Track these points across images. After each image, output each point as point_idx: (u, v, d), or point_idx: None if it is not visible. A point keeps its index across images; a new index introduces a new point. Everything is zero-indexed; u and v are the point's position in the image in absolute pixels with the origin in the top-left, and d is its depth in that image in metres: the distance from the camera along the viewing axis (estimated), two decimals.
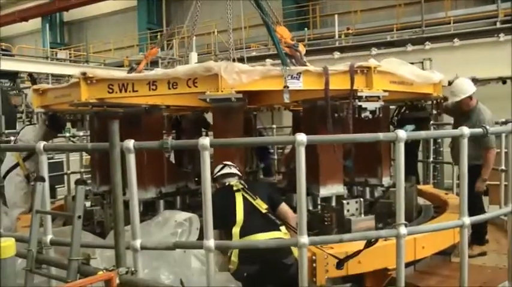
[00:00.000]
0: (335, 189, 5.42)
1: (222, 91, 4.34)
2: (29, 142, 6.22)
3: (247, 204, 4.23)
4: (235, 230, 4.09)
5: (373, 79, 4.63)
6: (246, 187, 4.42)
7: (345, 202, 5.20)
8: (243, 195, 4.29)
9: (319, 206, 5.41)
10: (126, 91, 4.66)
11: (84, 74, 4.70)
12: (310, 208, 5.26)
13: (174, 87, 4.52)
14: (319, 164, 5.25)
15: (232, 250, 4.04)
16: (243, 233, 4.06)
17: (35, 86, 5.98)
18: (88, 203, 5.85)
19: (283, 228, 4.18)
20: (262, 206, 4.25)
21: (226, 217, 4.11)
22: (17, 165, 6.45)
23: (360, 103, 4.59)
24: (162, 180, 5.69)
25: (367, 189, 6.05)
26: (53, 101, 5.65)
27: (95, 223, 5.83)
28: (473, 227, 5.69)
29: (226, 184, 4.48)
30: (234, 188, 4.36)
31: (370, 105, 4.63)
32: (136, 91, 4.66)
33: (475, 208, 5.59)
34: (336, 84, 4.58)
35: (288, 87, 4.45)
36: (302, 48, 5.42)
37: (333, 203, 5.37)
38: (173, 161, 7.10)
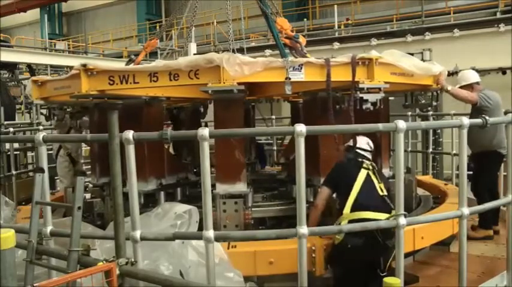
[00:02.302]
0: None
1: (224, 83, 4.33)
2: None
3: (368, 181, 4.36)
4: (349, 203, 4.20)
5: (374, 71, 4.61)
6: (376, 168, 4.57)
7: None
8: (368, 173, 4.41)
9: None
10: (127, 83, 4.63)
11: (84, 65, 4.67)
12: (311, 199, 5.25)
13: (176, 79, 4.50)
14: (320, 155, 5.24)
15: (341, 219, 4.17)
16: (355, 208, 4.17)
17: (34, 78, 5.94)
18: (88, 195, 5.85)
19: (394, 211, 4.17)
20: (383, 189, 4.38)
21: (342, 182, 4.34)
22: (61, 147, 7.36)
23: (361, 95, 4.58)
24: (163, 172, 5.69)
25: None
26: (52, 93, 5.61)
27: (94, 214, 5.84)
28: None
29: (358, 159, 4.59)
30: (364, 166, 4.47)
31: (372, 97, 4.62)
32: (137, 83, 4.63)
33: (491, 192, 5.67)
34: (337, 75, 4.57)
35: (290, 78, 4.43)
36: (302, 40, 5.40)
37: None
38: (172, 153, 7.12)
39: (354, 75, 4.55)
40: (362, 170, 4.41)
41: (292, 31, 5.45)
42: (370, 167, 4.49)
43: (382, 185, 4.42)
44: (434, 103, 6.38)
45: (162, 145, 5.79)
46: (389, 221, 3.76)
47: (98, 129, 5.71)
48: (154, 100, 5.62)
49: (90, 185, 6.17)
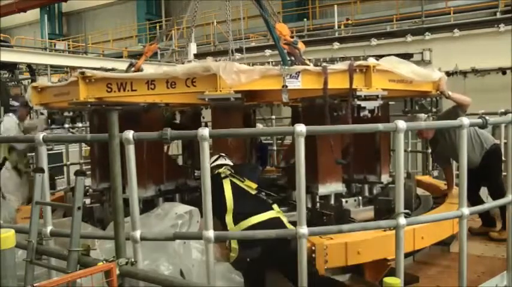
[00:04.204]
0: (334, 187, 5.40)
1: (220, 91, 4.32)
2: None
3: (235, 188, 4.26)
4: (228, 218, 4.10)
5: (372, 78, 4.60)
6: (233, 171, 4.47)
7: (343, 200, 5.19)
8: (230, 180, 4.32)
9: (318, 204, 5.38)
10: (124, 90, 4.64)
11: (82, 73, 4.67)
12: (309, 205, 5.23)
13: (173, 86, 4.51)
14: (318, 162, 5.24)
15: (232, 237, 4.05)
16: (236, 220, 4.07)
17: (33, 84, 5.89)
18: (87, 200, 5.81)
19: (275, 206, 4.22)
20: (252, 187, 4.30)
21: (217, 206, 4.01)
22: (6, 159, 6.74)
23: (358, 102, 4.56)
24: (162, 178, 5.68)
25: (366, 186, 6.03)
26: (51, 99, 5.60)
27: (94, 219, 5.81)
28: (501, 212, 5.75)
29: (215, 172, 4.49)
30: (222, 175, 4.39)
31: (369, 105, 4.61)
32: (135, 90, 4.63)
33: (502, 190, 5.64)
34: (334, 83, 4.55)
35: (286, 86, 4.42)
36: (301, 46, 5.37)
37: (332, 201, 5.35)
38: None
39: (351, 83, 4.53)
40: (224, 181, 4.31)
41: (292, 37, 5.43)
42: (228, 173, 4.41)
43: (248, 183, 4.34)
44: (434, 109, 6.34)
45: (162, 150, 5.78)
46: (390, 222, 3.75)
47: (97, 132, 5.69)
48: (153, 106, 5.62)
49: (90, 190, 6.15)
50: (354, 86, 4.55)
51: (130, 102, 5.29)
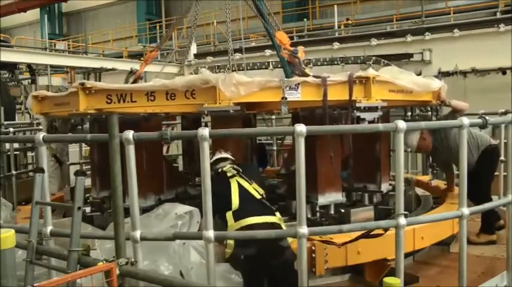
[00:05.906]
0: (333, 197, 5.33)
1: (220, 103, 4.34)
2: None
3: (242, 190, 4.23)
4: (229, 214, 4.06)
5: (371, 89, 4.59)
6: (240, 171, 4.42)
7: (343, 210, 5.17)
8: (237, 181, 4.29)
9: (317, 214, 5.33)
10: (124, 102, 4.65)
11: (82, 84, 4.68)
12: (309, 215, 5.16)
13: (172, 98, 4.53)
14: (318, 172, 5.21)
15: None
16: (237, 217, 4.03)
17: (34, 93, 5.92)
18: (88, 209, 5.81)
19: (278, 213, 4.20)
20: (259, 191, 4.28)
21: (221, 204, 4.06)
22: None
23: (358, 113, 4.56)
24: (161, 188, 5.66)
25: (366, 195, 6.01)
26: (52, 109, 5.61)
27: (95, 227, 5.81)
28: (482, 215, 5.79)
29: (219, 170, 4.45)
30: (229, 174, 4.35)
31: (369, 116, 4.60)
32: (135, 102, 4.65)
33: (485, 196, 5.61)
34: (334, 95, 4.54)
35: (286, 98, 4.42)
36: (301, 54, 5.36)
37: (332, 211, 5.31)
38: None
39: (351, 95, 4.53)
40: (231, 181, 4.27)
41: (292, 45, 5.41)
42: (235, 172, 4.37)
43: (255, 186, 4.32)
44: (434, 118, 6.35)
45: (161, 160, 5.77)
46: (390, 222, 3.75)
47: (98, 143, 5.66)
48: (153, 116, 5.59)
49: (91, 198, 6.12)
50: (353, 98, 4.55)
51: (130, 113, 5.29)
